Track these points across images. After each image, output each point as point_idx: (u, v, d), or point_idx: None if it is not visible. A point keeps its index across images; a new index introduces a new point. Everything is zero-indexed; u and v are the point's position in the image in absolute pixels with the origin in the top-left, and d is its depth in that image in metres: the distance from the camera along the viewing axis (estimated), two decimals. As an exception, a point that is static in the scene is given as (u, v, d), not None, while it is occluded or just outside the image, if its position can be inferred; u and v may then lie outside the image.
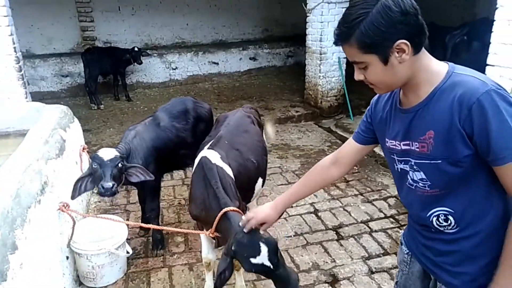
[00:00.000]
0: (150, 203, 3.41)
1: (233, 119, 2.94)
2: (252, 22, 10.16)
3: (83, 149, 3.82)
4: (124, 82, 7.88)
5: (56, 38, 8.18)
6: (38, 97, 6.55)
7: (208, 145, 2.57)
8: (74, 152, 3.56)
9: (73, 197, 2.77)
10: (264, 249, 1.78)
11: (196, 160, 2.49)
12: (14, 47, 4.60)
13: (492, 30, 3.69)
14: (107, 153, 2.75)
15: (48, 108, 3.79)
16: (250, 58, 9.90)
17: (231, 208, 2.07)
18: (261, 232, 1.83)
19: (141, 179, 2.84)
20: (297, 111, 7.25)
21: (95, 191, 3.38)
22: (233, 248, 1.83)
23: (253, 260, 1.78)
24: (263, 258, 1.78)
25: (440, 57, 4.72)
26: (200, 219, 2.42)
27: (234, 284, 2.80)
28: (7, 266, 1.83)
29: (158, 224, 3.48)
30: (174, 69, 9.01)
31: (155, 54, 8.75)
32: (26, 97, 4.89)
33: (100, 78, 7.64)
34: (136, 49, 7.65)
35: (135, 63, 7.74)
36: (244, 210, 2.43)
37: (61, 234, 2.78)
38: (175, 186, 4.53)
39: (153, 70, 8.65)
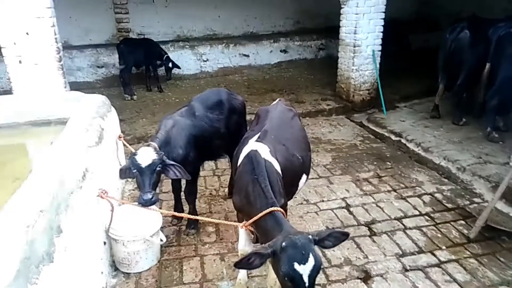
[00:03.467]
0: (189, 187, 3.51)
1: (276, 114, 2.91)
2: (283, 14, 10.05)
3: (119, 137, 3.94)
4: (156, 73, 8.01)
5: (92, 30, 8.40)
6: (74, 87, 6.73)
7: (255, 138, 2.54)
8: (112, 140, 3.67)
9: (121, 178, 2.94)
10: (311, 261, 1.72)
11: (244, 152, 2.46)
12: (55, 38, 4.77)
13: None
14: (145, 158, 2.74)
15: (87, 98, 3.90)
16: (281, 51, 9.81)
17: (278, 208, 2.06)
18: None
19: (178, 177, 2.90)
20: (328, 105, 7.14)
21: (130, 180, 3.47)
22: (283, 244, 1.77)
23: (295, 266, 1.71)
24: (305, 269, 1.71)
25: (483, 51, 4.54)
26: (243, 212, 2.41)
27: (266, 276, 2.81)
28: (53, 248, 1.91)
29: (195, 206, 3.62)
30: (205, 61, 9.07)
31: (187, 46, 8.83)
32: (65, 87, 5.08)
33: (134, 70, 7.80)
34: (170, 64, 7.96)
35: (166, 75, 8.08)
36: (286, 206, 2.43)
37: (100, 220, 2.88)
38: (206, 177, 4.57)
39: (184, 62, 8.72)
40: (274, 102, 3.31)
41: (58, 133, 3.47)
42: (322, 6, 9.74)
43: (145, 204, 2.71)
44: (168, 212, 3.45)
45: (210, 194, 4.22)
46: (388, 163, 4.90)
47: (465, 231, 3.46)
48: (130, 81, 7.50)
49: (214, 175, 4.64)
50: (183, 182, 3.58)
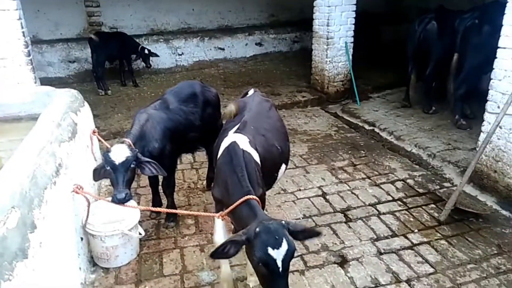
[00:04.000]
0: (167, 181, 3.50)
1: (254, 104, 2.92)
2: (258, 7, 10.05)
3: (94, 132, 3.87)
4: (131, 67, 7.88)
5: (62, 24, 8.15)
6: (45, 83, 6.52)
7: (234, 129, 2.56)
8: (85, 135, 3.60)
9: (95, 180, 2.91)
10: (284, 246, 1.74)
11: (224, 144, 2.47)
12: (23, 32, 4.60)
13: (505, 12, 3.65)
14: (119, 155, 2.68)
15: (58, 92, 3.82)
16: (256, 44, 9.83)
17: (253, 196, 2.09)
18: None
19: (153, 173, 2.87)
20: (303, 96, 7.23)
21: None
22: (257, 229, 1.79)
23: (269, 251, 1.72)
24: (279, 253, 1.72)
25: (450, 42, 4.67)
26: (222, 203, 2.43)
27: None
28: (27, 244, 1.89)
29: (173, 199, 3.62)
30: (180, 54, 8.98)
31: (162, 40, 8.71)
32: (35, 82, 4.91)
33: (107, 64, 7.64)
34: (146, 51, 7.70)
35: (144, 64, 7.81)
36: (264, 196, 2.46)
37: (76, 216, 2.84)
38: (184, 170, 4.57)
39: (159, 56, 8.61)
40: (250, 93, 3.31)
41: (29, 129, 3.40)
42: (296, -1, 9.81)
43: (119, 202, 2.68)
44: (146, 208, 3.42)
45: (189, 187, 4.22)
46: (362, 151, 5.03)
47: (436, 214, 3.61)
48: (104, 75, 7.36)
49: (192, 168, 4.64)
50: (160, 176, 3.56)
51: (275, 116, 3.07)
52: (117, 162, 2.67)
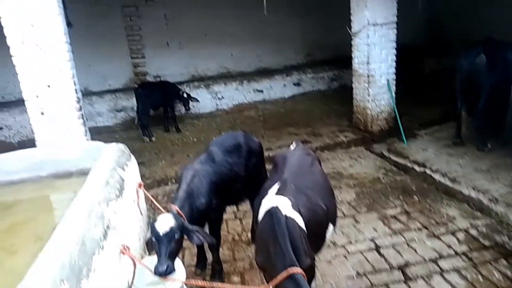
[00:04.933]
0: (213, 235, 3.39)
1: (294, 160, 2.82)
2: (294, 48, 10.20)
3: (140, 185, 3.90)
4: (174, 114, 8.13)
5: (110, 75, 8.66)
6: (95, 131, 6.89)
7: (274, 190, 2.45)
8: (132, 189, 3.63)
9: (149, 251, 2.87)
10: None
11: (264, 206, 2.36)
12: (75, 89, 4.89)
13: None
14: (163, 225, 2.66)
15: (107, 147, 3.91)
16: (294, 84, 9.88)
17: (297, 269, 1.95)
18: None
19: (201, 241, 2.79)
20: (346, 136, 7.05)
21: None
22: None
23: None
24: None
25: (502, 74, 4.42)
26: (266, 272, 2.29)
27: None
28: (75, 319, 1.83)
29: (218, 254, 3.50)
30: (220, 98, 9.18)
31: (202, 85, 8.98)
32: (86, 134, 5.15)
33: (151, 111, 7.93)
34: (185, 95, 7.94)
35: (184, 108, 8.02)
36: (314, 265, 2.29)
37: (122, 278, 2.78)
38: (227, 220, 4.47)
39: (200, 101, 8.86)
40: (292, 146, 3.22)
41: (80, 185, 3.47)
42: (331, 38, 9.83)
43: (160, 275, 2.61)
44: (189, 282, 3.28)
45: (233, 239, 4.11)
46: (415, 197, 4.71)
47: (509, 274, 3.22)
48: (149, 123, 7.61)
49: (236, 218, 4.53)
50: (206, 229, 3.49)
51: (317, 171, 2.91)
52: (161, 233, 2.65)
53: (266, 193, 2.48)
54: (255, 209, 2.63)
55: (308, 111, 8.93)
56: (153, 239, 2.68)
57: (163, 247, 2.62)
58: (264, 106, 9.52)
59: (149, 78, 8.86)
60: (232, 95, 9.29)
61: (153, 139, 7.56)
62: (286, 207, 2.27)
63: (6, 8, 4.30)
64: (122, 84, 8.80)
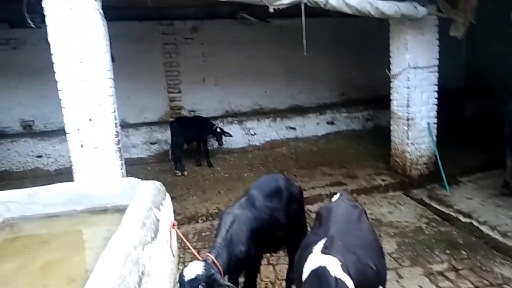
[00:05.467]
0: (248, 285, 3.22)
1: (340, 213, 2.63)
2: (328, 86, 10.18)
3: (173, 225, 3.81)
4: (207, 148, 8.14)
5: (147, 108, 8.87)
6: (128, 163, 6.93)
7: (320, 246, 2.28)
8: (166, 230, 3.53)
9: None
10: None
11: (310, 265, 2.18)
12: (115, 123, 4.97)
13: None
14: (190, 272, 2.55)
15: (142, 185, 3.87)
16: (328, 122, 9.75)
17: None
18: None
19: None
20: (383, 180, 6.76)
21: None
22: None
23: None
24: None
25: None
26: None
27: None
28: None
29: None
30: (253, 135, 9.16)
31: (236, 121, 9.02)
32: (121, 168, 5.17)
33: (185, 145, 7.98)
34: (218, 130, 7.94)
35: (218, 142, 7.99)
36: None
37: (153, 327, 2.63)
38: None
39: (233, 136, 8.87)
40: (336, 197, 3.03)
41: (114, 222, 3.41)
42: (366, 78, 9.78)
43: None
44: None
45: (266, 287, 3.88)
46: (463, 252, 4.35)
47: None
48: (181, 157, 7.64)
49: (268, 264, 4.31)
50: (241, 279, 3.30)
51: (365, 226, 2.70)
52: (185, 279, 2.51)
53: (310, 249, 2.29)
54: (296, 264, 2.44)
55: (342, 151, 8.73)
56: (178, 283, 2.54)
57: None
58: (297, 144, 9.40)
59: (184, 113, 9.00)
60: (265, 131, 9.26)
61: (185, 173, 7.55)
62: (335, 268, 2.08)
63: (58, 46, 4.50)
64: (157, 117, 8.98)
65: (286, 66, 9.48)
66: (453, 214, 5.44)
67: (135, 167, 7.66)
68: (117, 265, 2.29)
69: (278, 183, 3.50)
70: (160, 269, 3.06)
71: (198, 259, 2.84)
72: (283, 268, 4.04)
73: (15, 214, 3.58)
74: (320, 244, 2.27)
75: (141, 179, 4.19)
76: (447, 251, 4.37)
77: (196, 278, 2.51)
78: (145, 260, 2.62)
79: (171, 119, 8.35)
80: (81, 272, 2.76)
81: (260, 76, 9.47)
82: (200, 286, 2.51)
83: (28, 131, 8.26)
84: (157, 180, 4.11)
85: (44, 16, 4.81)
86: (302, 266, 2.25)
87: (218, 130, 7.95)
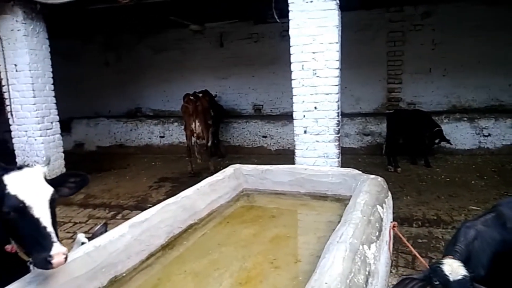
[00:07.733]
0: None
1: None
2: None
3: (393, 226, 3.56)
4: (424, 146, 7.36)
5: (363, 99, 8.74)
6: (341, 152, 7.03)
7: None
8: (386, 230, 3.33)
9: None
10: None
11: None
12: (337, 112, 5.07)
13: None
14: (456, 272, 2.24)
15: (365, 179, 3.76)
16: None
17: None
18: None
19: None
20: None
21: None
22: None
23: None
24: None
25: None
26: None
27: None
28: None
29: None
30: (486, 136, 7.71)
31: (465, 118, 7.80)
32: (338, 157, 5.27)
33: (401, 140, 7.46)
34: (438, 131, 7.11)
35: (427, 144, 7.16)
36: None
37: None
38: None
39: (459, 135, 7.71)
40: None
41: (335, 211, 3.46)
42: None
43: None
44: None
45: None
46: None
47: None
48: (396, 152, 7.18)
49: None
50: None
51: None
52: (451, 279, 2.20)
53: None
54: None
55: None
56: (437, 283, 2.26)
57: None
58: (550, 153, 7.40)
59: (402, 105, 8.41)
60: (503, 132, 7.64)
61: (399, 170, 7.06)
62: None
63: (297, 37, 4.84)
64: (373, 108, 8.72)
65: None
66: None
67: (345, 157, 7.62)
68: (347, 259, 2.25)
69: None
70: (381, 271, 2.89)
71: (425, 265, 2.52)
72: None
73: (251, 186, 4.11)
74: None
75: (361, 171, 4.11)
76: None
77: (464, 279, 2.22)
78: (371, 260, 2.51)
79: (388, 111, 7.94)
80: (306, 254, 2.88)
81: (504, 67, 7.81)
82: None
83: (258, 113, 9.50)
84: (369, 173, 3.96)
85: (281, 11, 5.28)
86: None
87: (437, 141, 7.05)
